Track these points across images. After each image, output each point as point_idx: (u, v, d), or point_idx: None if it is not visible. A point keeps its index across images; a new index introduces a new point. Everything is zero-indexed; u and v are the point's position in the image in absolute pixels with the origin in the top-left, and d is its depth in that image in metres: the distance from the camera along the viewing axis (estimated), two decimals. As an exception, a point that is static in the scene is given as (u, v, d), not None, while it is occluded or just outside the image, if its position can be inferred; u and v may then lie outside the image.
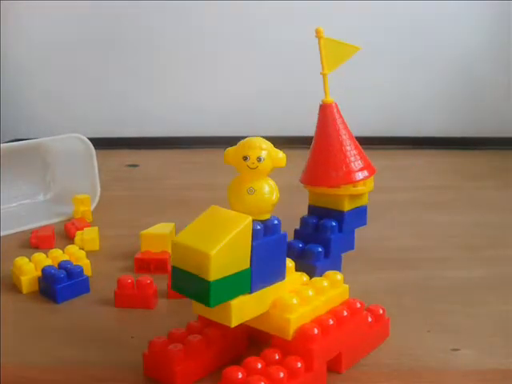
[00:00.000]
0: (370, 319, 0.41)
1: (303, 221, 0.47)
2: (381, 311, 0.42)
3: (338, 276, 0.40)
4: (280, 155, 0.37)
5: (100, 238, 0.61)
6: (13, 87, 1.11)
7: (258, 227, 0.35)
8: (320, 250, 0.44)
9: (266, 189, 0.36)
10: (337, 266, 0.45)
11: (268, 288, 0.36)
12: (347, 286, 0.40)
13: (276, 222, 0.37)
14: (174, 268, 0.34)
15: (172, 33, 1.09)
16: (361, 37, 1.05)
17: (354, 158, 0.45)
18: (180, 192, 0.81)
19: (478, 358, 0.40)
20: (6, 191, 0.72)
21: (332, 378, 0.38)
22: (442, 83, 1.10)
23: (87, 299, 0.50)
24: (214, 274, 0.32)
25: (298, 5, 1.04)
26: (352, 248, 0.47)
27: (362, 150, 0.46)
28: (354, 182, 0.44)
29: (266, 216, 0.37)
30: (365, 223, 0.47)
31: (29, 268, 0.51)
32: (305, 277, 0.41)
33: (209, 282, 0.32)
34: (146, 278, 0.48)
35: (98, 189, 0.72)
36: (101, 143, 0.82)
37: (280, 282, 0.37)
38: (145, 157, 1.02)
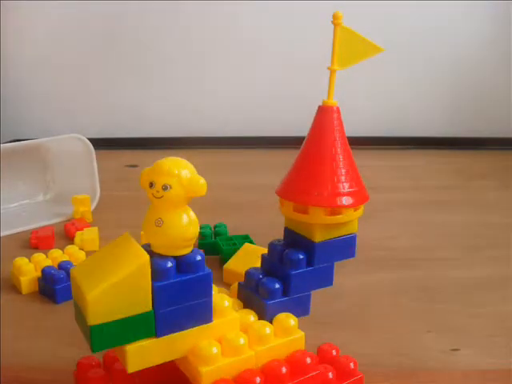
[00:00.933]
0: (330, 376, 0.35)
1: (270, 246, 0.39)
2: (352, 365, 0.36)
3: (292, 321, 0.35)
4: (200, 182, 0.31)
5: (100, 238, 0.61)
6: (13, 87, 1.11)
7: (169, 265, 0.31)
8: (277, 286, 0.36)
9: (177, 221, 0.31)
10: (302, 307, 0.38)
11: (184, 332, 0.32)
12: (303, 333, 0.35)
13: (198, 257, 0.32)
14: (74, 299, 0.31)
15: (172, 33, 1.09)
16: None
17: (345, 177, 0.36)
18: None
19: (478, 358, 0.40)
20: (5, 191, 0.72)
21: (332, 378, 0.38)
22: (443, 83, 1.10)
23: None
24: (94, 318, 0.29)
25: (298, 5, 1.04)
26: (329, 284, 0.39)
27: (358, 171, 0.38)
28: (336, 207, 0.35)
29: (184, 251, 0.32)
30: (352, 255, 0.39)
31: (28, 268, 0.51)
32: (253, 316, 0.35)
33: (89, 326, 0.29)
34: None
35: (98, 189, 0.72)
36: (101, 143, 0.82)
37: (205, 325, 0.32)
38: (145, 157, 1.02)
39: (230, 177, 0.86)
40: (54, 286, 0.49)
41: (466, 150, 1.05)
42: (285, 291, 0.37)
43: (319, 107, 0.39)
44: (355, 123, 1.12)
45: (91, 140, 0.70)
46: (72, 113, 1.13)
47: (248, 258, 0.52)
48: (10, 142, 0.79)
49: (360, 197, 0.36)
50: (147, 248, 0.32)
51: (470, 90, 1.10)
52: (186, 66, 1.11)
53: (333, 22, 0.38)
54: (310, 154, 0.37)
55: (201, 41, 1.09)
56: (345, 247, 0.38)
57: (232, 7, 1.06)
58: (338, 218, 0.35)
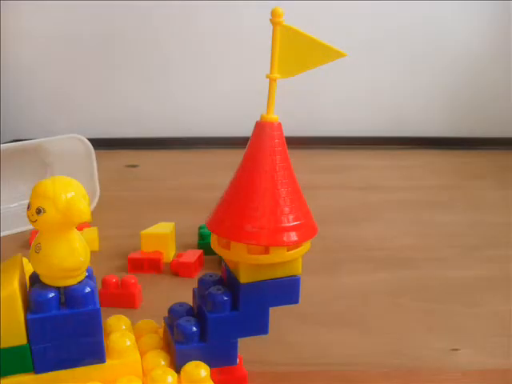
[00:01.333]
0: None
1: (199, 281, 0.34)
2: None
3: (203, 372, 0.31)
4: (80, 207, 0.28)
5: (100, 238, 0.61)
6: (13, 87, 1.11)
7: (50, 296, 0.28)
8: (194, 329, 0.32)
9: (54, 249, 0.28)
10: (224, 356, 0.33)
11: (71, 371, 0.29)
12: None
13: (87, 290, 0.29)
14: None
15: (172, 33, 1.09)
16: (361, 36, 1.06)
17: (289, 209, 0.30)
18: (180, 192, 0.81)
19: (478, 358, 0.40)
20: (6, 191, 0.72)
21: (331, 378, 0.38)
22: (443, 83, 1.10)
23: (87, 299, 0.50)
24: None
25: (297, 5, 1.04)
26: (263, 332, 0.33)
27: (304, 200, 0.32)
28: (281, 245, 0.29)
29: (67, 282, 0.28)
30: (294, 301, 0.32)
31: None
32: (164, 361, 0.32)
33: None
34: (131, 278, 0.48)
35: (98, 189, 0.72)
36: (101, 143, 0.82)
37: (97, 366, 0.30)
38: (145, 157, 1.02)
39: (229, 177, 0.86)
40: (54, 286, 0.49)
41: (466, 150, 1.05)
42: (203, 336, 0.32)
43: (257, 123, 0.32)
44: (355, 123, 1.13)
45: (91, 140, 0.70)
46: (72, 113, 1.13)
47: None
48: (10, 142, 0.79)
49: (309, 230, 0.30)
50: (36, 275, 0.30)
51: (470, 90, 1.10)
52: (186, 66, 1.11)
53: (271, 21, 0.30)
54: (244, 180, 0.30)
55: (201, 41, 1.09)
56: (283, 291, 0.32)
57: (232, 7, 1.06)
58: (263, 258, 0.29)
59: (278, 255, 0.29)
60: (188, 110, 1.12)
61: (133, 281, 0.48)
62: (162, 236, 0.56)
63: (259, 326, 0.33)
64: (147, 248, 0.56)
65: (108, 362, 0.30)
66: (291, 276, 0.31)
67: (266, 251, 0.29)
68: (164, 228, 0.58)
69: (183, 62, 1.11)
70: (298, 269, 0.31)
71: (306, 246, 0.31)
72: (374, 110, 1.10)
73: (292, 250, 0.30)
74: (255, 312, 0.32)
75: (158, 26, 1.09)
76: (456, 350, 0.41)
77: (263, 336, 0.40)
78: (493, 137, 1.08)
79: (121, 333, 0.32)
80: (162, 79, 1.11)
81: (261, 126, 0.32)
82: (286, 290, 0.32)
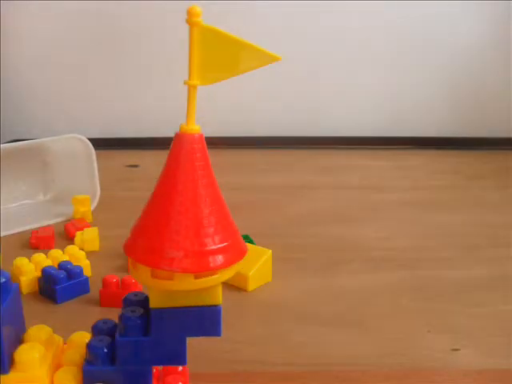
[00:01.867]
0: None
1: (124, 300, 0.32)
2: None
3: None
4: None
5: (100, 239, 0.61)
6: (13, 87, 1.11)
7: None
8: (105, 350, 0.30)
9: None
10: (135, 381, 0.30)
11: None
12: None
13: None
14: None
15: (172, 33, 1.09)
16: (360, 36, 1.06)
17: (214, 229, 0.27)
18: (180, 192, 0.81)
19: (477, 358, 0.40)
20: (5, 191, 0.72)
21: (331, 378, 0.38)
22: (443, 83, 1.10)
23: (87, 300, 0.50)
24: None
25: (296, 4, 1.04)
26: (180, 363, 0.30)
27: (231, 219, 0.29)
28: (207, 270, 0.27)
29: None
30: (215, 332, 0.30)
31: (28, 268, 0.51)
32: (73, 379, 0.30)
33: None
34: (131, 278, 0.48)
35: (98, 189, 0.72)
36: (101, 143, 0.82)
37: None
38: (145, 157, 1.02)
39: (230, 177, 0.86)
40: (54, 286, 0.49)
41: (466, 150, 1.05)
42: (113, 359, 0.30)
43: (176, 135, 0.29)
44: (355, 123, 1.13)
45: (91, 140, 0.70)
46: (72, 113, 1.13)
47: (248, 258, 0.52)
48: (10, 142, 0.79)
49: (236, 252, 0.28)
50: None
51: (470, 90, 1.10)
52: (186, 66, 1.11)
53: (187, 21, 0.27)
54: (162, 200, 0.28)
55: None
56: (200, 321, 0.29)
57: (232, 7, 1.06)
58: (166, 284, 0.27)
59: (183, 282, 0.27)
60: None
61: (133, 281, 0.48)
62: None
63: (175, 356, 0.30)
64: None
65: (11, 373, 0.29)
66: (210, 306, 0.29)
67: (170, 277, 0.27)
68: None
69: (183, 62, 1.11)
70: (216, 298, 0.28)
71: (223, 274, 0.28)
72: (374, 110, 1.10)
73: (201, 277, 0.27)
74: (170, 340, 0.29)
75: (159, 26, 1.09)
76: (456, 350, 0.41)
77: (263, 336, 0.40)
78: (493, 137, 1.08)
79: (30, 345, 0.30)
80: (162, 79, 1.11)
81: (180, 139, 0.28)
82: (203, 320, 0.29)
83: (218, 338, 0.39)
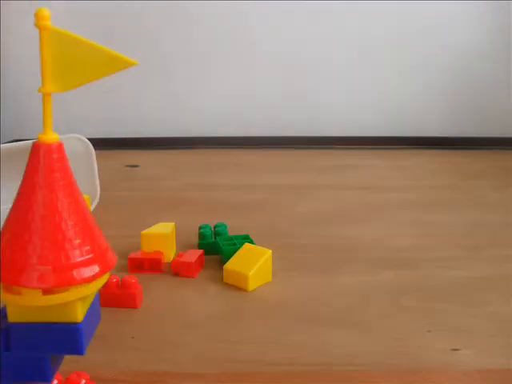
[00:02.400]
0: None
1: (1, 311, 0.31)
2: None
3: None
4: None
5: (100, 238, 0.61)
6: (13, 87, 1.11)
7: None
8: None
9: None
10: None
11: None
12: None
13: None
14: None
15: (172, 33, 1.09)
16: (361, 37, 1.06)
17: (80, 240, 0.28)
18: (180, 192, 0.81)
19: (478, 358, 0.40)
20: (5, 191, 0.72)
21: (331, 378, 0.38)
22: (443, 83, 1.10)
23: (87, 299, 0.50)
24: None
25: (297, 5, 1.04)
26: (44, 379, 0.29)
27: (97, 227, 0.30)
28: (55, 287, 0.26)
29: None
30: (76, 350, 0.28)
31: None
32: None
33: None
34: (131, 278, 0.48)
35: (98, 189, 0.72)
36: (101, 143, 0.82)
37: None
38: (145, 157, 1.02)
39: (230, 177, 0.86)
40: (54, 286, 0.49)
41: (466, 150, 1.05)
42: None
43: (33, 144, 0.28)
44: (355, 123, 1.13)
45: (91, 140, 0.70)
46: (72, 113, 1.13)
47: (248, 258, 0.52)
48: (10, 142, 0.79)
49: (104, 262, 0.28)
50: None
51: (469, 90, 1.10)
52: (187, 65, 1.11)
53: (36, 25, 0.26)
54: (20, 212, 0.28)
55: (201, 41, 1.09)
56: (60, 339, 0.28)
57: (233, 7, 1.06)
58: (16, 299, 0.26)
59: (31, 298, 0.26)
60: (188, 110, 1.12)
61: (133, 281, 0.48)
62: (162, 236, 0.56)
63: (38, 373, 0.28)
64: (148, 248, 0.56)
65: None
66: (68, 323, 0.27)
67: (18, 292, 0.26)
68: (164, 228, 0.58)
69: (183, 62, 1.11)
70: (74, 315, 0.27)
71: (74, 291, 0.26)
72: (374, 111, 1.10)
73: (49, 294, 0.26)
74: (31, 356, 0.28)
75: (159, 26, 1.09)
76: (456, 349, 0.41)
77: (263, 336, 0.40)
78: (493, 137, 1.08)
79: None
80: (162, 79, 1.11)
81: (37, 149, 0.27)
82: (63, 337, 0.28)
83: (218, 338, 0.39)
